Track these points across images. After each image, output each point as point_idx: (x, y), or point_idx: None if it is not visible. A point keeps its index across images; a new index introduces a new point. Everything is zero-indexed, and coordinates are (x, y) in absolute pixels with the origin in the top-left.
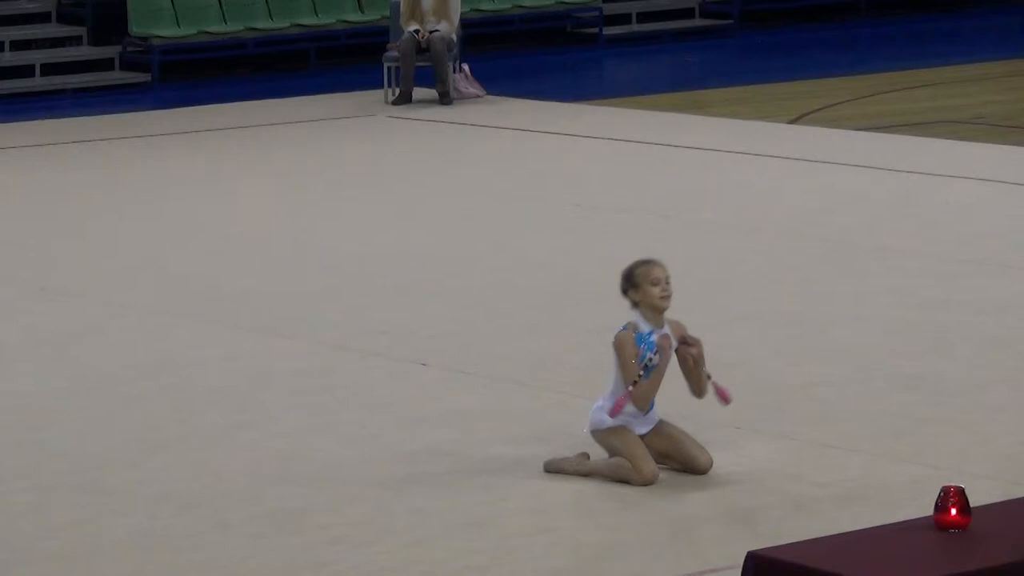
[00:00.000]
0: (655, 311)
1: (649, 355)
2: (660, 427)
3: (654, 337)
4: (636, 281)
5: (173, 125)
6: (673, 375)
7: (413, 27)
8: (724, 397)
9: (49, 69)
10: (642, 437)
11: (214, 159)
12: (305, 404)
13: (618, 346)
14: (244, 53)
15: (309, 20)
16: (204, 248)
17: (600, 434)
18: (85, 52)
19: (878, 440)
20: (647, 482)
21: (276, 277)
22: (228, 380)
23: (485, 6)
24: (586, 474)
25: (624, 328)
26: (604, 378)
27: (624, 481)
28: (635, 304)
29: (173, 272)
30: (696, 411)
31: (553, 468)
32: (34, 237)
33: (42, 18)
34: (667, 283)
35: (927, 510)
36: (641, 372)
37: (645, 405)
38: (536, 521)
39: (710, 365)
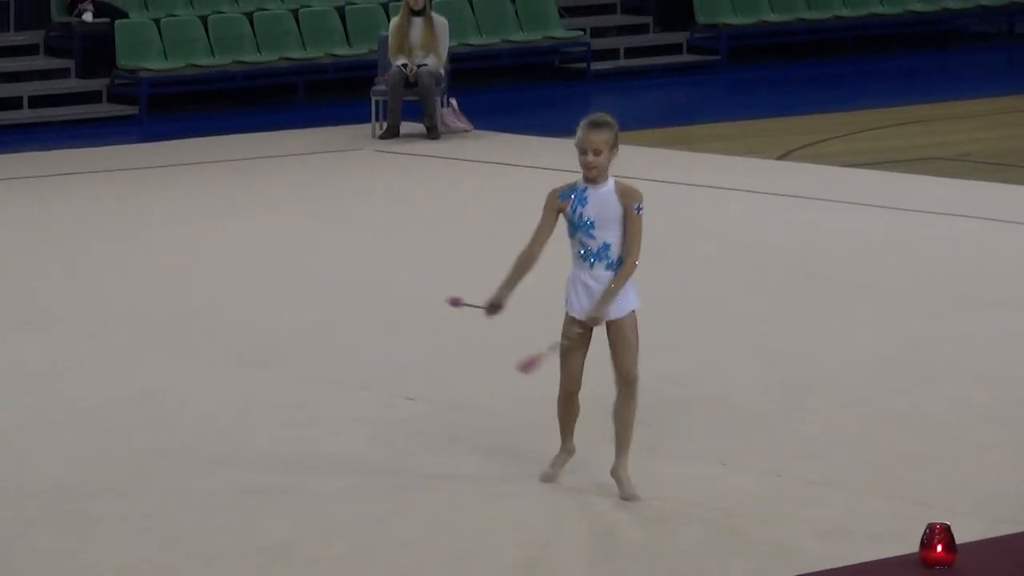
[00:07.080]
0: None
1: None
2: (612, 327)
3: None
4: (577, 144)
5: (161, 158)
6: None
7: (401, 61)
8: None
9: (37, 101)
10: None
11: (202, 192)
12: (292, 437)
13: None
14: (232, 86)
15: (297, 53)
16: (191, 281)
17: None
18: (73, 84)
19: (864, 476)
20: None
21: (263, 310)
22: (215, 413)
23: (473, 40)
24: None
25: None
26: (588, 411)
27: None
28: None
29: (160, 305)
30: (682, 444)
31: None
32: (20, 269)
33: (30, 50)
34: (594, 154)
35: (913, 547)
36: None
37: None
38: (523, 554)
39: (696, 401)
